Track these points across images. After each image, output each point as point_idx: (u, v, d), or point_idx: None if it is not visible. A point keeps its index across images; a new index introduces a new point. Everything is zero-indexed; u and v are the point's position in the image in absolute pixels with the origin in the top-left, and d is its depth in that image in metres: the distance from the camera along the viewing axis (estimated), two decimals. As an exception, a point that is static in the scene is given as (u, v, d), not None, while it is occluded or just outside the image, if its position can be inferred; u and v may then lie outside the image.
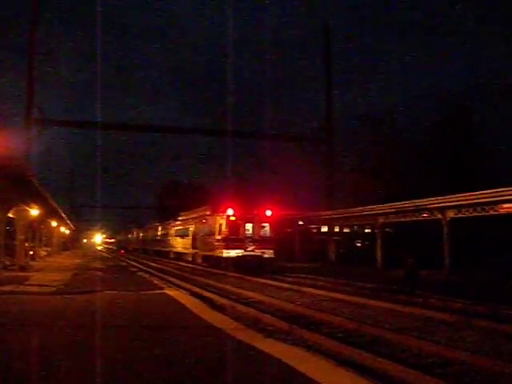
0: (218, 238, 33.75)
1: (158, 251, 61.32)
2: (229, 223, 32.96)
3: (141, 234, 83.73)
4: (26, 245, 36.44)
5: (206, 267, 35.26)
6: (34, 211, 29.55)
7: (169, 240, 55.18)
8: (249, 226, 33.34)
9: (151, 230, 71.20)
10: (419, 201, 30.88)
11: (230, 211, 32.95)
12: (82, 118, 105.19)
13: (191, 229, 43.09)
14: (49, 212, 38.64)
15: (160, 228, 62.88)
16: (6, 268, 27.09)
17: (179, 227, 49.79)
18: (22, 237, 31.67)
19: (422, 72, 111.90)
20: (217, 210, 35.19)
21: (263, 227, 33.83)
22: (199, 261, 38.90)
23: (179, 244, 48.93)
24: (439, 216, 30.42)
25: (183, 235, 46.96)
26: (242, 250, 32.19)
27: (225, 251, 32.41)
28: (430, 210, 31.00)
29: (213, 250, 34.87)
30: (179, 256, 47.56)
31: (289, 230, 51.36)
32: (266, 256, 32.33)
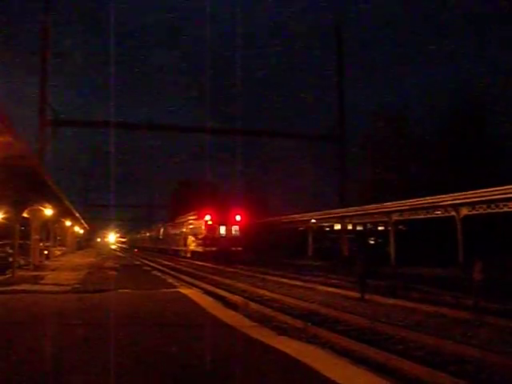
0: (200, 237, 44.23)
1: (160, 249, 69.07)
2: (207, 226, 43.37)
3: (147, 234, 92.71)
4: (41, 244, 36.72)
5: (195, 260, 43.33)
6: (49, 211, 29.70)
7: (168, 239, 64.49)
8: (223, 228, 43.61)
9: (155, 231, 79.85)
10: (433, 198, 30.67)
11: (207, 217, 43.37)
12: (95, 118, 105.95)
13: (183, 230, 52.91)
14: (63, 212, 38.89)
15: (162, 229, 71.93)
16: (20, 267, 27.31)
17: (175, 229, 59.58)
18: (37, 236, 31.90)
19: (435, 67, 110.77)
20: (199, 216, 45.22)
21: (234, 228, 43.90)
22: (188, 255, 48.22)
23: (175, 242, 58.16)
24: (453, 213, 30.22)
25: (178, 235, 56.69)
26: (217, 247, 42.03)
27: (205, 247, 43.00)
28: (444, 207, 30.81)
29: (197, 246, 45.33)
30: (175, 252, 56.03)
31: (301, 229, 51.33)
32: (235, 250, 42.35)
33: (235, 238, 43.43)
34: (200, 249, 44.10)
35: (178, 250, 54.54)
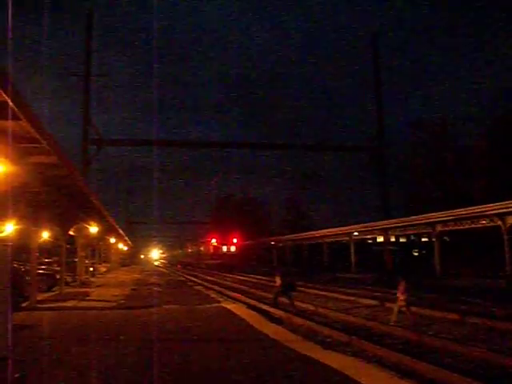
0: (209, 253, 65.44)
1: (188, 263, 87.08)
2: (213, 247, 64.91)
3: (180, 251, 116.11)
4: (86, 261, 37.47)
5: (210, 270, 57.98)
6: (94, 229, 30.30)
7: (192, 255, 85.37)
8: (224, 248, 64.47)
9: (185, 249, 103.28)
10: (478, 207, 29.99)
11: (213, 240, 65.40)
12: (137, 136, 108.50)
13: (201, 249, 74.67)
14: (107, 229, 39.61)
15: (189, 248, 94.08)
16: (67, 284, 27.93)
17: (196, 248, 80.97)
18: (83, 254, 32.58)
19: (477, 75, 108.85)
20: (209, 239, 66.75)
21: (232, 248, 64.77)
22: (204, 266, 66.25)
23: (196, 258, 79.01)
24: (499, 223, 29.44)
25: (197, 252, 78.36)
26: (220, 260, 61.82)
27: (212, 261, 63.14)
28: (489, 217, 30.07)
29: (208, 260, 65.83)
30: (197, 264, 74.20)
31: (343, 241, 50.89)
32: (233, 263, 60.35)
33: (233, 254, 64.45)
34: (210, 262, 63.97)
35: (198, 263, 73.60)
